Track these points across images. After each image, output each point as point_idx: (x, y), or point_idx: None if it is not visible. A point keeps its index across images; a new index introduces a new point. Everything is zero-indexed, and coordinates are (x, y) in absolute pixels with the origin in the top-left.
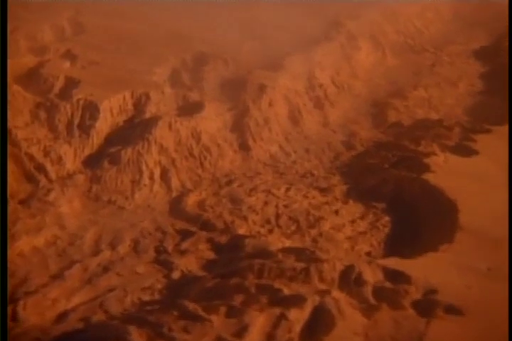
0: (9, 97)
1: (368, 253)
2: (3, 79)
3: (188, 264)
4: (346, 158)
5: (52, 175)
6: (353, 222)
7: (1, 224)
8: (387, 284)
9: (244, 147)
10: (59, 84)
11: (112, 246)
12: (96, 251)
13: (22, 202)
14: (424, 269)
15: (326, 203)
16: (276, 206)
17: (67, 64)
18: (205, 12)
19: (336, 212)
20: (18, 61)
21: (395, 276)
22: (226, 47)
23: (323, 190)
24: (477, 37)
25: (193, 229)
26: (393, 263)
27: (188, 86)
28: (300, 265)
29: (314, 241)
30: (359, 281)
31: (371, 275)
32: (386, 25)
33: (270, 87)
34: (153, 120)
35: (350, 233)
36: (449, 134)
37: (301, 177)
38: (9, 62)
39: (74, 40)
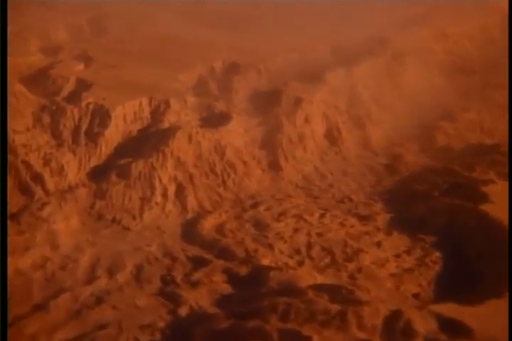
0: (10, 97)
1: (416, 296)
2: (3, 80)
3: (198, 299)
4: (389, 183)
5: (50, 187)
6: (397, 256)
7: (1, 237)
8: (442, 337)
9: (274, 166)
10: (68, 87)
11: (110, 273)
12: (90, 278)
13: (12, 217)
14: (487, 319)
15: (367, 233)
16: (308, 234)
17: (80, 65)
18: (239, 18)
19: (378, 244)
20: (25, 60)
21: (452, 327)
22: (260, 57)
23: (363, 218)
24: None
25: (209, 256)
26: (449, 310)
27: (215, 95)
28: (335, 307)
29: (352, 277)
30: (407, 331)
31: (422, 324)
32: (434, 43)
33: (307, 102)
34: (172, 130)
35: (394, 269)
36: (507, 161)
37: (338, 203)
38: (15, 60)
39: (92, 41)
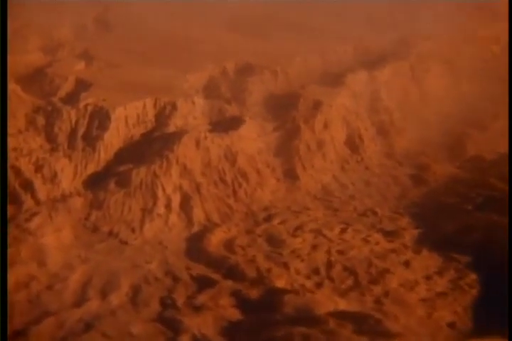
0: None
1: (452, 325)
2: (3, 81)
3: (202, 326)
4: (416, 195)
5: (41, 196)
6: (428, 278)
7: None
8: None
9: (290, 175)
10: (66, 86)
11: (103, 294)
12: (80, 300)
13: None
14: None
15: (393, 251)
16: (328, 251)
17: (81, 64)
18: (254, 18)
19: (406, 264)
20: (22, 58)
21: None
22: (276, 58)
23: (388, 234)
24: None
25: (215, 276)
26: None
27: (227, 98)
28: (360, 340)
29: (378, 302)
30: None
31: None
32: (460, 47)
33: (327, 105)
34: (178, 135)
35: (425, 293)
36: None
37: (360, 216)
38: (12, 59)
39: (95, 39)
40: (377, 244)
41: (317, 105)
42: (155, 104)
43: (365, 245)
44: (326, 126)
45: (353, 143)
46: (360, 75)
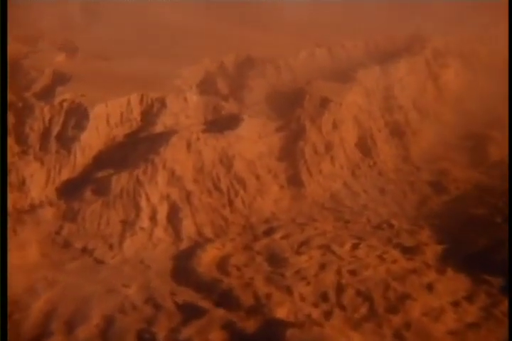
0: None
1: None
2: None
3: None
4: (436, 205)
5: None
6: (455, 304)
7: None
8: None
9: (294, 181)
10: (43, 80)
11: (69, 327)
12: (40, 334)
13: None
14: None
15: (413, 271)
16: (338, 272)
17: (61, 56)
18: (256, 10)
19: (429, 287)
20: None
21: None
22: (279, 52)
23: (407, 250)
24: None
25: (205, 303)
26: None
27: (224, 94)
28: None
29: (398, 336)
30: None
31: None
32: (478, 44)
33: (336, 103)
34: (166, 135)
35: (453, 324)
36: None
37: (375, 229)
38: None
39: (81, 29)
40: (394, 262)
41: (325, 103)
42: (141, 101)
43: (380, 264)
44: (334, 126)
45: (365, 146)
46: (373, 71)
